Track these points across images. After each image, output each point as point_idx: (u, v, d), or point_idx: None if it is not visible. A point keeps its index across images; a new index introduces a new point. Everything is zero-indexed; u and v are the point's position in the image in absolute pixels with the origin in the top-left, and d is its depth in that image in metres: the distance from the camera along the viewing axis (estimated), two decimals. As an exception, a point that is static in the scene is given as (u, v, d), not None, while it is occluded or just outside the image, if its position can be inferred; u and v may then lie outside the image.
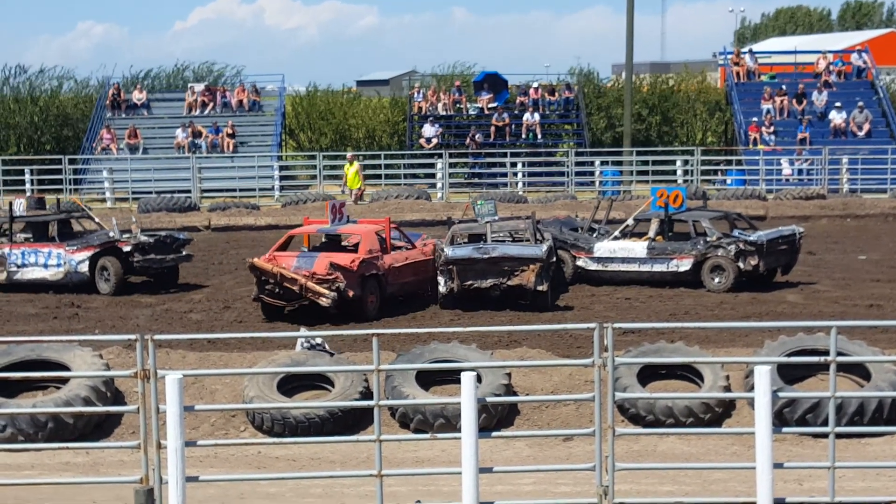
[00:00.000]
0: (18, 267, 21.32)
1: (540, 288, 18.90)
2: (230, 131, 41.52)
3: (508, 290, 18.99)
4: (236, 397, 12.45)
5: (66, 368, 12.25)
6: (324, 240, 19.98)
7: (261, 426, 12.16)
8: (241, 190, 38.70)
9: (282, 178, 40.48)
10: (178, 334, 14.52)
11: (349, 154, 38.19)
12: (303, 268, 18.06)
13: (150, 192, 37.53)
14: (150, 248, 21.12)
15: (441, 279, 19.14)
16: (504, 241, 20.15)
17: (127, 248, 21.03)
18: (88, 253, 21.07)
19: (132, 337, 9.74)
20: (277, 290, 18.08)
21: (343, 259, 18.27)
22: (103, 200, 38.54)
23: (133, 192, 38.47)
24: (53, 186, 38.97)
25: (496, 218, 20.78)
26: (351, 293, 17.89)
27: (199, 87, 44.65)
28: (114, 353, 13.54)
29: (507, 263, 18.98)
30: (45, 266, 21.18)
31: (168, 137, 42.26)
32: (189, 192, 37.63)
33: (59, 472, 11.11)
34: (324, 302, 17.67)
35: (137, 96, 44.24)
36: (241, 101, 44.06)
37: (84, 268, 20.95)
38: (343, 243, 19.78)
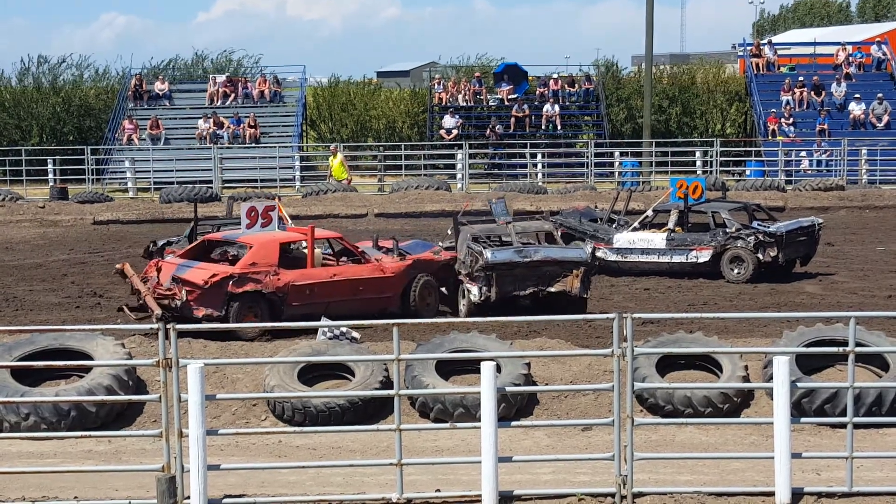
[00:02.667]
0: None
1: (584, 295, 17.44)
2: (252, 122, 41.64)
3: (548, 298, 17.40)
4: (257, 386, 12.53)
5: (89, 357, 12.34)
6: (226, 248, 17.66)
7: (281, 415, 12.23)
8: (262, 181, 38.83)
9: (302, 168, 40.59)
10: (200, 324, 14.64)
11: (332, 146, 38.11)
12: (169, 277, 16.35)
13: (172, 183, 37.67)
14: None
15: (474, 286, 17.16)
16: (534, 243, 18.32)
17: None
18: None
19: (154, 326, 9.83)
20: (139, 300, 16.63)
21: (202, 272, 16.27)
22: (125, 191, 38.75)
23: (155, 183, 38.63)
24: (76, 177, 39.22)
25: (510, 218, 18.76)
26: (202, 312, 15.88)
27: (221, 77, 44.79)
28: (136, 342, 13.63)
29: (549, 267, 17.33)
30: None
31: (190, 128, 42.44)
32: (211, 182, 37.78)
33: (81, 460, 11.20)
34: (153, 319, 15.50)
35: (159, 87, 44.40)
36: (262, 92, 44.18)
37: None
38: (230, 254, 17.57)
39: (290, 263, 16.88)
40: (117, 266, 17.71)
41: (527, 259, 17.34)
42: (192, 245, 17.62)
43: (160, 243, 19.85)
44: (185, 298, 15.92)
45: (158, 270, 16.88)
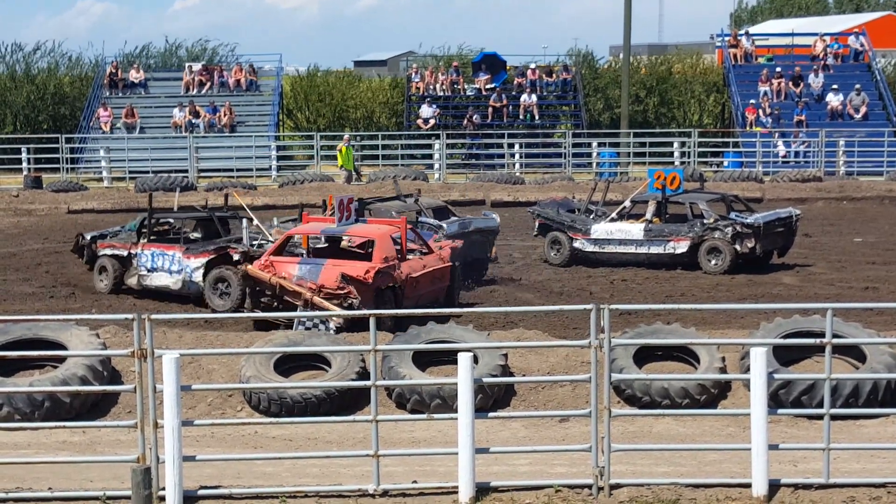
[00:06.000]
0: (148, 271, 18.42)
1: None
2: (228, 111, 41.45)
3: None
4: (233, 377, 12.46)
5: (63, 347, 12.25)
6: (325, 242, 17.40)
7: (257, 406, 12.17)
8: (238, 170, 38.67)
9: (279, 158, 40.45)
10: (176, 314, 14.55)
11: (346, 136, 38.09)
12: (306, 278, 15.72)
13: (147, 172, 37.49)
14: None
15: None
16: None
17: (236, 256, 17.58)
18: (204, 259, 17.79)
19: (129, 316, 9.75)
20: (276, 303, 15.74)
21: (355, 269, 15.75)
22: (100, 180, 38.53)
23: (130, 172, 38.43)
24: (50, 165, 38.96)
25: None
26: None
27: (197, 66, 44.56)
28: (111, 332, 13.53)
29: (476, 236, 19.74)
30: (170, 272, 18.12)
31: (165, 117, 42.20)
32: (186, 171, 37.60)
33: (55, 451, 11.12)
34: (332, 323, 14.85)
35: (135, 75, 44.14)
36: (238, 81, 43.97)
37: (198, 277, 17.73)
38: (349, 247, 17.30)
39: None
40: (242, 268, 16.53)
41: (467, 229, 19.28)
42: (279, 242, 16.66)
43: (88, 237, 19.57)
44: (358, 298, 15.32)
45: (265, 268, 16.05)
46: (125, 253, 18.74)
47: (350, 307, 15.17)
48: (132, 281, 18.60)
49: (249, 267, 16.10)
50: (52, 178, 36.79)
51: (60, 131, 41.28)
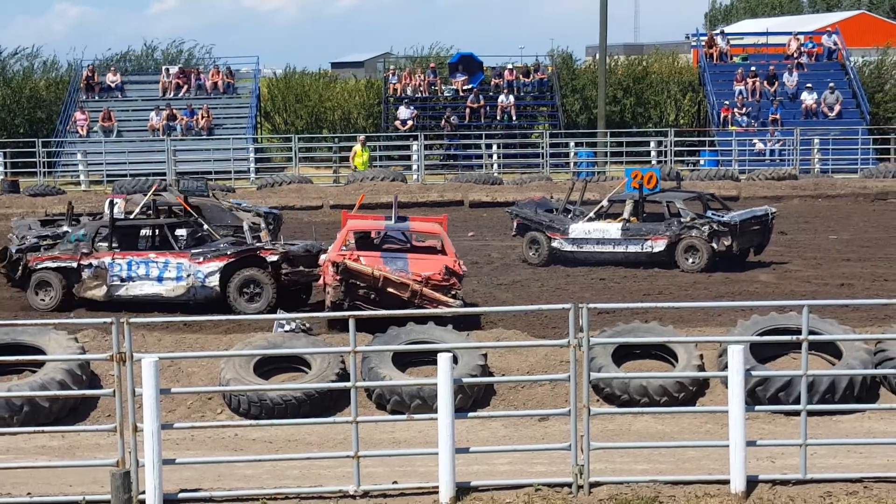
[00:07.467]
0: (123, 280, 17.57)
1: None
2: (205, 113, 41.36)
3: None
4: (213, 380, 12.45)
5: (41, 352, 12.21)
6: (374, 237, 17.65)
7: (237, 408, 12.16)
8: (216, 172, 38.55)
9: (257, 160, 40.38)
10: (154, 317, 14.51)
11: (360, 136, 38.10)
12: (400, 270, 15.91)
13: (125, 175, 37.35)
14: (298, 258, 17.52)
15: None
16: None
17: (273, 258, 17.38)
18: (220, 263, 17.35)
19: (108, 320, 9.73)
20: (373, 296, 15.69)
21: (439, 261, 16.20)
22: (78, 183, 38.38)
23: (108, 175, 38.30)
24: (27, 170, 38.79)
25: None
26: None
27: (174, 69, 44.44)
28: (89, 336, 13.50)
29: None
30: (160, 279, 17.49)
31: (142, 120, 42.06)
32: (164, 174, 37.48)
33: (34, 456, 11.09)
34: (452, 304, 15.33)
35: (111, 79, 43.98)
36: (215, 84, 43.89)
37: (213, 282, 17.34)
38: (397, 243, 17.58)
39: None
40: (338, 262, 15.80)
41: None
42: (344, 237, 16.88)
43: (13, 249, 18.32)
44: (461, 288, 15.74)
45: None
46: (74, 265, 17.57)
47: (454, 297, 15.62)
48: (95, 293, 17.53)
49: (350, 262, 15.74)
50: (29, 182, 36.62)
51: (37, 135, 41.10)
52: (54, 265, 17.66)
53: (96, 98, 43.21)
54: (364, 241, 17.59)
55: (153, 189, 20.18)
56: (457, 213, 29.42)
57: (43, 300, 17.70)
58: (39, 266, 17.71)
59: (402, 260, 16.34)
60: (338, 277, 15.68)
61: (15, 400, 11.68)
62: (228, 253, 17.45)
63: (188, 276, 17.32)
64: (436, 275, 15.77)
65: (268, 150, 44.70)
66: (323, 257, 16.89)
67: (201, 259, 17.37)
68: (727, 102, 41.45)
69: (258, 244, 17.91)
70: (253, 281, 17.13)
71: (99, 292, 17.52)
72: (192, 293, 17.36)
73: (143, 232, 18.69)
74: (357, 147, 36.94)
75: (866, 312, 15.85)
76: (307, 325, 13.89)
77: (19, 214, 30.87)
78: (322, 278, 16.67)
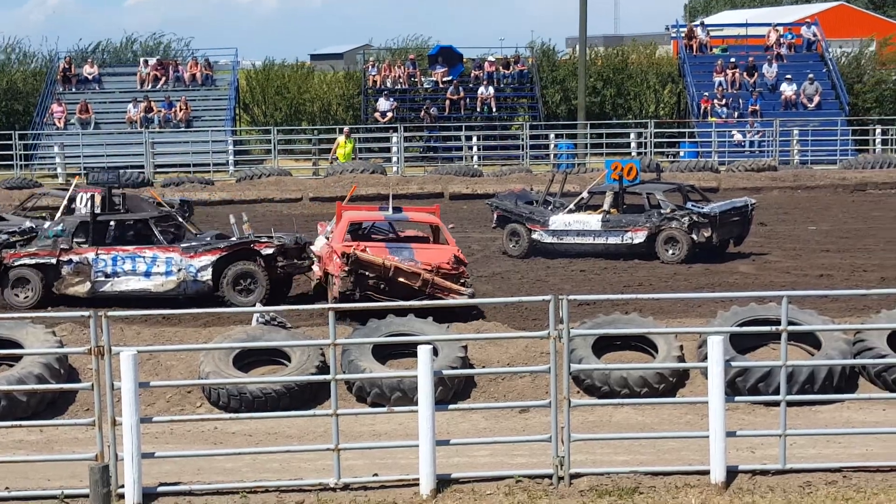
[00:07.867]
0: (108, 276, 17.27)
1: None
2: (183, 106, 41.18)
3: None
4: (192, 373, 12.41)
5: (19, 346, 12.14)
6: (370, 228, 17.83)
7: (217, 401, 12.13)
8: (194, 165, 38.43)
9: (236, 152, 40.24)
10: (133, 310, 14.42)
11: (346, 128, 38.07)
12: (408, 260, 15.95)
13: (103, 168, 37.13)
14: (290, 250, 17.40)
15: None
16: None
17: (269, 251, 17.25)
18: (213, 257, 17.20)
19: (86, 313, 9.68)
20: (383, 285, 15.64)
21: (444, 251, 16.37)
22: (55, 176, 38.17)
23: (85, 168, 38.02)
24: (3, 162, 38.57)
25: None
26: None
27: (152, 61, 44.25)
28: (67, 329, 13.44)
29: None
30: (148, 275, 17.22)
31: (120, 112, 41.85)
32: (142, 167, 37.32)
33: (12, 451, 11.03)
34: (464, 292, 15.57)
35: (88, 70, 43.76)
36: (193, 76, 43.71)
37: (206, 276, 17.20)
38: (393, 233, 17.76)
39: None
40: (348, 252, 15.71)
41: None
42: (345, 228, 16.93)
43: None
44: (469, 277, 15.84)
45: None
46: (53, 261, 17.17)
47: (464, 286, 15.76)
48: (78, 289, 17.16)
49: (360, 252, 15.68)
50: (6, 175, 36.40)
51: (14, 127, 40.83)
52: (32, 262, 17.33)
53: (73, 90, 42.97)
54: (360, 232, 17.60)
55: (75, 182, 20.04)
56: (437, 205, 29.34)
57: (20, 297, 17.31)
58: (16, 263, 17.33)
59: (408, 250, 16.36)
60: (346, 268, 15.57)
61: (-8, 394, 11.60)
62: (221, 247, 17.25)
63: (179, 270, 17.11)
64: (445, 263, 15.80)
65: (247, 142, 44.56)
66: (313, 248, 16.94)
67: (192, 253, 17.15)
68: (707, 94, 41.52)
69: (250, 237, 17.65)
70: (247, 274, 17.04)
71: (82, 288, 17.21)
72: (182, 288, 17.17)
73: (123, 226, 18.10)
74: (341, 138, 36.93)
75: (845, 303, 15.91)
76: (279, 318, 13.75)
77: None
78: (316, 270, 16.73)
